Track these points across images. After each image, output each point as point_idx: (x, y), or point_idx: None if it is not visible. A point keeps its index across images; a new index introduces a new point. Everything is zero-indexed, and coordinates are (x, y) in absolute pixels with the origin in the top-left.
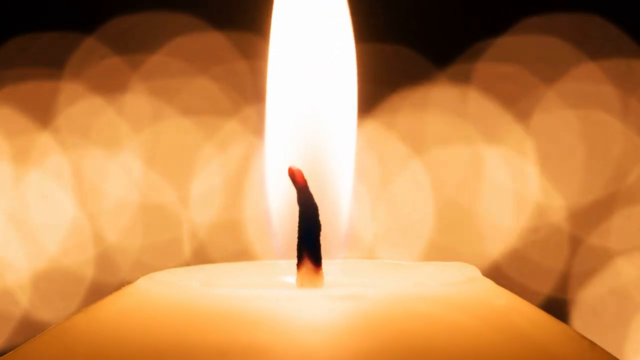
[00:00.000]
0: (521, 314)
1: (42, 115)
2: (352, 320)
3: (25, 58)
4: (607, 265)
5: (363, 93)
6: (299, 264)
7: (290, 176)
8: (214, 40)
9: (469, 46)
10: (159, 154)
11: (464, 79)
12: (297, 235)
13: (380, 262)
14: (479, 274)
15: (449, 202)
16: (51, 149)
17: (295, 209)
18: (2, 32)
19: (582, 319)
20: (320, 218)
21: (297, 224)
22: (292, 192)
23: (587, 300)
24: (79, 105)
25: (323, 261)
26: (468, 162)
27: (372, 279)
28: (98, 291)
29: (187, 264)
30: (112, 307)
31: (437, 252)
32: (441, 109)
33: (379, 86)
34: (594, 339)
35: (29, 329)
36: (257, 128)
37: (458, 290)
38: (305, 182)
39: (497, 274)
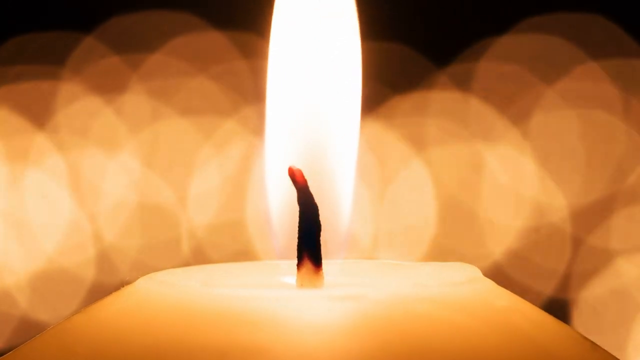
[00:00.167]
0: (522, 314)
1: (41, 114)
2: (352, 321)
3: (24, 57)
4: (608, 266)
5: (363, 92)
6: (299, 264)
7: (290, 176)
8: (213, 39)
9: (469, 45)
10: (158, 153)
11: (464, 79)
12: (297, 235)
13: (380, 262)
14: (480, 274)
15: (449, 202)
16: (49, 149)
17: (295, 209)
18: (1, 32)
19: (583, 320)
20: (321, 218)
21: (297, 224)
22: (292, 192)
23: (588, 301)
24: (77, 104)
25: (323, 261)
26: (468, 161)
27: (373, 280)
28: (97, 291)
29: (187, 264)
30: (112, 308)
31: (438, 252)
32: (441, 108)
33: (379, 85)
34: (595, 340)
35: (28, 330)
36: (257, 128)
37: (458, 291)
38: (305, 182)
39: (497, 274)
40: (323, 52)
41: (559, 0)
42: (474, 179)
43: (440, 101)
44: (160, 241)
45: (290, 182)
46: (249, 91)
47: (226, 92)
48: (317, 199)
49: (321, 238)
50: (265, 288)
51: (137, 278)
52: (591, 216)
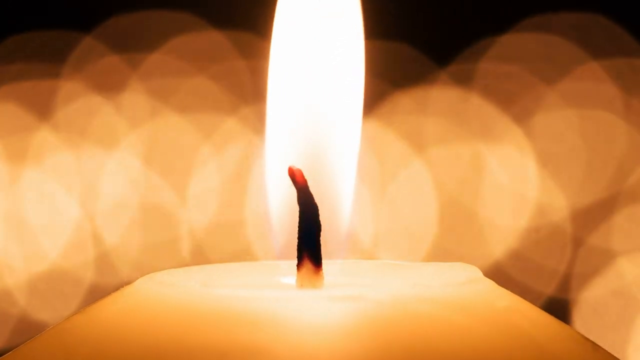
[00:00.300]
0: (523, 314)
1: (40, 113)
2: (352, 321)
3: (24, 56)
4: (609, 266)
5: (363, 92)
6: (299, 265)
7: (290, 176)
8: (212, 39)
9: (470, 45)
10: (158, 153)
11: (465, 78)
12: (297, 235)
13: (380, 262)
14: (480, 274)
15: (449, 202)
16: (49, 147)
17: (295, 209)
18: (1, 30)
19: (583, 320)
20: (321, 218)
21: (297, 224)
22: (292, 192)
23: (588, 301)
24: (77, 103)
25: (323, 262)
26: (469, 161)
27: (373, 280)
28: (97, 292)
29: (187, 265)
30: (112, 308)
31: (438, 252)
32: (442, 108)
33: (379, 85)
34: (596, 340)
35: (28, 330)
36: (257, 127)
37: (459, 291)
38: (305, 182)
39: (498, 274)
40: (324, 51)
41: (560, 0)
42: (475, 179)
43: (441, 100)
44: (160, 241)
45: (290, 182)
46: (248, 91)
47: (226, 92)
48: (317, 199)
49: (321, 238)
50: (265, 288)
51: (137, 278)
52: (592, 216)
